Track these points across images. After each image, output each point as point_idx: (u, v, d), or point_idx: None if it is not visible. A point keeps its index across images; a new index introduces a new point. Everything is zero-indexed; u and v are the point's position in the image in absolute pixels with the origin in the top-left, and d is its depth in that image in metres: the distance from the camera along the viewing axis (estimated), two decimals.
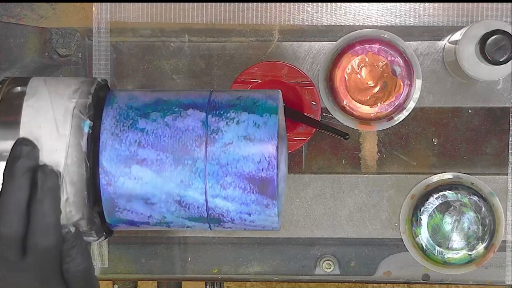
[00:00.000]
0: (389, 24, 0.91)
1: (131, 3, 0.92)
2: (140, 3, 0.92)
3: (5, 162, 0.55)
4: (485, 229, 0.90)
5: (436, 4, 0.91)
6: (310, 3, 0.91)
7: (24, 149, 0.54)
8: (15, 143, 0.55)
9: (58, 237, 0.54)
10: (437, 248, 0.90)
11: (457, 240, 0.90)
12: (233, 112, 0.58)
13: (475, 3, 0.90)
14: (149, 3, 0.91)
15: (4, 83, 0.59)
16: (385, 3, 0.91)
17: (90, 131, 0.57)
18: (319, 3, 0.91)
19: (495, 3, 0.90)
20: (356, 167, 0.93)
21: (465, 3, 0.91)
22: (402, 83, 0.89)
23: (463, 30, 0.86)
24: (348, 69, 0.90)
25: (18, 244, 0.53)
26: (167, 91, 0.62)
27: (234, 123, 0.58)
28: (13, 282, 0.54)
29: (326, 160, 0.93)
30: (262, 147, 0.57)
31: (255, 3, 0.91)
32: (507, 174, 0.91)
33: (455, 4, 0.91)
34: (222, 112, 0.58)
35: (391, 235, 0.93)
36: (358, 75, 0.90)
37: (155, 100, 0.60)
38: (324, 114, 0.91)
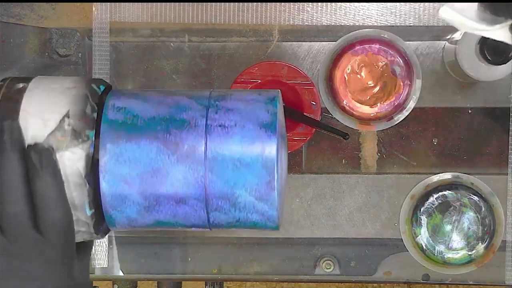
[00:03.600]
0: (389, 24, 0.91)
1: (131, 3, 0.91)
2: (140, 3, 0.92)
3: None
4: (485, 229, 0.90)
5: (436, 4, 0.91)
6: (310, 3, 0.91)
7: (5, 123, 0.53)
8: None
9: (67, 208, 0.53)
10: (437, 248, 0.90)
11: (457, 240, 0.90)
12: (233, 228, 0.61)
13: None
14: (149, 3, 0.91)
15: (4, 83, 0.59)
16: (385, 3, 0.91)
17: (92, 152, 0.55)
18: (319, 3, 0.91)
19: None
20: (356, 167, 0.93)
21: None
22: (402, 83, 0.89)
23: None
24: (348, 69, 0.90)
25: (29, 222, 0.52)
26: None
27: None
28: (29, 268, 0.53)
29: (326, 160, 0.93)
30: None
31: (255, 3, 0.91)
32: (507, 174, 0.91)
33: None
34: (223, 226, 0.60)
35: (391, 235, 0.93)
36: (358, 75, 0.90)
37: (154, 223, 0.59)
38: (324, 114, 0.91)
